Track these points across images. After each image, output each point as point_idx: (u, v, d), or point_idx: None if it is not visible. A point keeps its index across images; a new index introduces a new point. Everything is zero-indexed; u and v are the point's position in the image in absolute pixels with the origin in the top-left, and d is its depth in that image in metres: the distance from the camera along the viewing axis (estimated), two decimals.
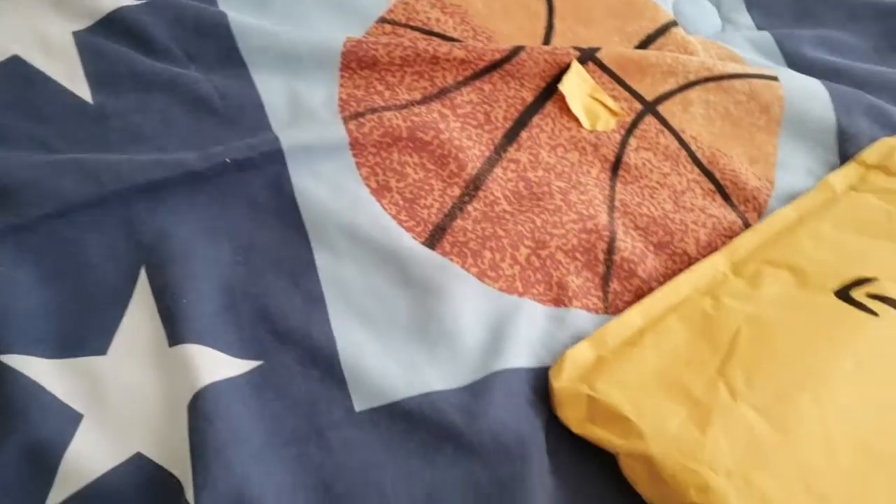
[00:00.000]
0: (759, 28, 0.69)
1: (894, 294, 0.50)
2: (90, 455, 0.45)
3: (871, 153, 0.62)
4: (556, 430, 0.49)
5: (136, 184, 0.49)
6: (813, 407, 0.46)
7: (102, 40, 0.55)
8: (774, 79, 0.62)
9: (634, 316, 0.52)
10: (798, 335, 0.49)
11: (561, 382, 0.48)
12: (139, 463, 0.45)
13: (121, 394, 0.46)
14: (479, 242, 0.52)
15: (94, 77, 0.54)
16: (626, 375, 0.48)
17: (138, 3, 0.57)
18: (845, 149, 0.62)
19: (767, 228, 0.56)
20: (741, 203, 0.58)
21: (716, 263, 0.55)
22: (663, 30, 0.64)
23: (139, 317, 0.48)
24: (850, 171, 0.61)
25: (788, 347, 0.49)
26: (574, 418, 0.48)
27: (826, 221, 0.56)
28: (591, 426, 0.47)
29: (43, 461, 0.44)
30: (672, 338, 0.50)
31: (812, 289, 0.52)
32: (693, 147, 0.59)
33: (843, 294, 0.51)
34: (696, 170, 0.59)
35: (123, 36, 0.56)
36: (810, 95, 0.62)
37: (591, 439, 0.47)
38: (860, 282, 0.51)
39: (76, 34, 0.56)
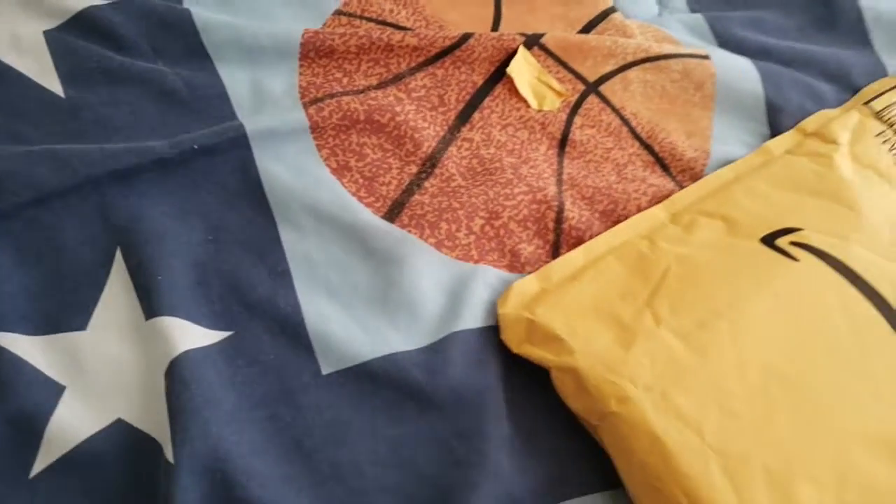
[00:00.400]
0: (693, 11, 0.73)
1: (815, 243, 0.54)
2: (73, 422, 0.48)
3: (809, 122, 0.66)
4: (512, 380, 0.53)
5: (109, 171, 0.52)
6: (729, 334, 0.50)
7: (72, 38, 0.58)
8: (706, 58, 0.66)
9: (578, 255, 0.56)
10: (722, 273, 0.54)
11: (506, 309, 0.53)
12: (120, 428, 0.48)
13: (101, 365, 0.49)
14: (436, 215, 0.56)
15: (65, 73, 0.57)
16: (564, 303, 0.53)
17: (105, 2, 0.60)
18: (775, 121, 0.66)
19: (706, 185, 0.61)
20: (679, 173, 0.62)
21: (656, 213, 0.59)
22: (603, 15, 0.68)
23: (116, 294, 0.51)
24: (788, 137, 0.65)
25: (712, 283, 0.53)
26: (514, 339, 0.52)
27: (760, 179, 0.60)
28: (529, 346, 0.52)
29: (28, 429, 0.47)
30: (609, 273, 0.55)
31: (741, 236, 0.56)
32: (633, 123, 0.64)
33: (769, 241, 0.55)
34: (637, 144, 0.63)
35: (92, 33, 0.59)
36: (740, 73, 0.66)
37: (528, 357, 0.52)
38: (785, 231, 0.55)
39: (46, 33, 0.59)
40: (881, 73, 0.72)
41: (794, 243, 0.55)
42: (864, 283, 0.53)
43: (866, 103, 0.67)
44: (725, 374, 0.49)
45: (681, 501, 0.45)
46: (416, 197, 0.56)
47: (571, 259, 0.56)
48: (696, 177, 0.61)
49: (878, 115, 0.66)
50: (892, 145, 0.63)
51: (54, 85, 0.57)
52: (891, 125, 0.65)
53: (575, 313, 0.52)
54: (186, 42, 0.58)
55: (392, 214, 0.55)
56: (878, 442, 0.47)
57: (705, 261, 0.55)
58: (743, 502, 0.45)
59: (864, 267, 0.53)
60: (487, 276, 0.55)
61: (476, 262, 0.56)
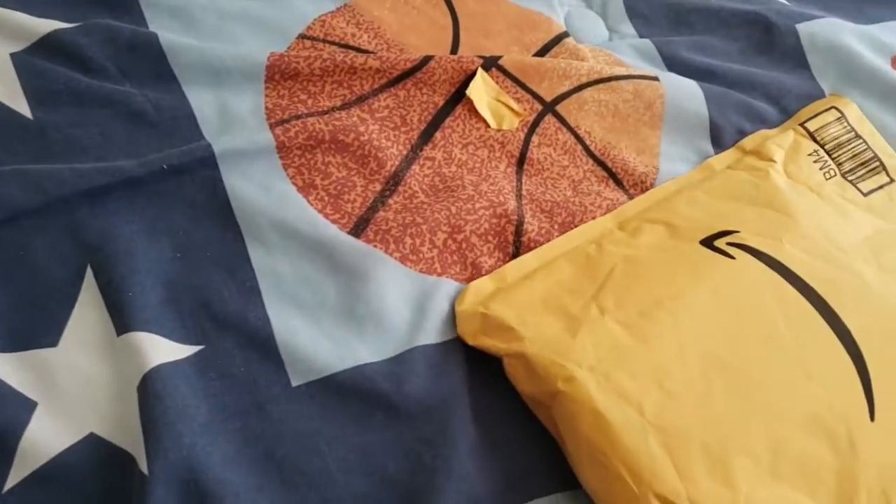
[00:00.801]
0: (641, 36, 0.77)
1: (750, 243, 0.58)
2: (45, 437, 0.48)
3: (748, 140, 0.70)
4: (476, 389, 0.55)
5: (79, 190, 0.53)
6: (670, 323, 0.54)
7: (40, 60, 0.59)
8: (655, 79, 0.70)
9: (531, 258, 0.60)
10: (663, 270, 0.57)
11: (462, 306, 0.57)
12: (93, 442, 0.49)
13: (73, 381, 0.50)
14: (401, 230, 0.58)
15: (33, 95, 0.58)
16: (516, 299, 0.56)
17: (72, 25, 0.61)
18: (717, 140, 0.70)
19: (651, 196, 0.65)
20: (631, 187, 0.65)
21: (604, 222, 0.63)
22: (557, 40, 0.72)
23: (87, 311, 0.52)
24: (729, 154, 0.69)
25: (654, 279, 0.57)
26: (470, 332, 0.55)
27: (701, 190, 0.64)
28: (483, 337, 0.55)
29: (1, 445, 0.47)
30: (559, 273, 0.58)
31: (681, 239, 0.60)
32: (587, 141, 0.66)
33: (707, 242, 0.59)
34: (591, 161, 0.66)
35: (59, 56, 0.60)
36: (686, 94, 0.70)
37: (482, 347, 0.55)
38: (723, 233, 0.59)
39: (14, 55, 0.59)
40: (818, 94, 0.76)
41: (730, 244, 0.58)
42: (796, 278, 0.56)
43: (802, 124, 0.71)
44: (666, 357, 0.52)
45: (622, 474, 0.48)
46: (381, 213, 0.58)
47: (525, 262, 0.60)
48: (646, 190, 0.65)
49: (811, 136, 0.70)
50: (824, 164, 0.68)
51: (22, 107, 0.58)
52: (823, 145, 0.70)
53: (526, 307, 0.55)
54: (154, 65, 0.60)
55: (358, 230, 0.57)
56: (810, 419, 0.51)
57: (648, 260, 0.58)
58: (681, 473, 0.48)
59: (796, 264, 0.57)
60: (450, 290, 0.57)
61: (439, 275, 0.58)
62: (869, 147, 0.70)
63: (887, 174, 0.69)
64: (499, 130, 0.65)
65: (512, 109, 0.65)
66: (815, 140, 0.70)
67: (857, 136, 0.71)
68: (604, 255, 0.59)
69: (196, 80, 0.60)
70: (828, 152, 0.69)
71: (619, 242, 0.60)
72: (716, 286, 0.56)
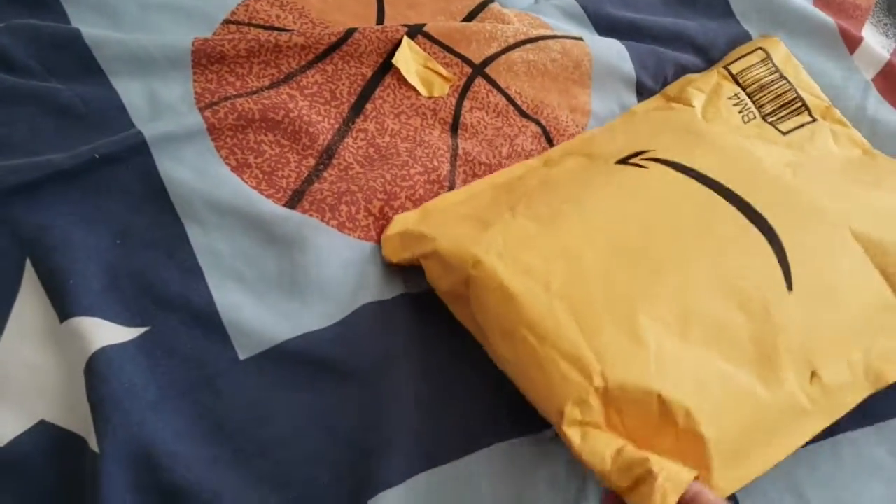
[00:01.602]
0: None
1: (663, 156, 0.59)
2: None
3: (672, 87, 0.72)
4: (424, 344, 0.56)
5: (11, 186, 0.54)
6: (578, 215, 0.55)
7: None
8: (580, 39, 0.71)
9: (456, 193, 0.62)
10: (577, 182, 0.59)
11: (387, 233, 0.59)
12: (43, 429, 0.50)
13: (20, 371, 0.51)
14: (336, 198, 0.58)
15: None
16: (436, 219, 0.58)
17: None
18: (643, 95, 0.72)
19: (576, 139, 0.68)
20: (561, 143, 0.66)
21: (531, 162, 0.66)
22: (482, 6, 0.72)
23: (29, 302, 0.52)
24: (652, 101, 0.71)
25: (567, 188, 0.58)
26: (391, 252, 0.58)
27: (621, 128, 0.66)
28: (402, 251, 0.57)
29: None
30: (480, 199, 0.60)
31: (599, 163, 0.61)
32: (519, 101, 0.68)
33: (622, 161, 0.60)
34: (524, 119, 0.67)
35: None
36: (612, 52, 0.71)
37: (402, 261, 0.57)
38: (638, 153, 0.60)
39: None
40: (745, 40, 0.78)
41: (645, 158, 0.59)
42: (707, 179, 0.57)
43: (726, 66, 0.73)
44: (574, 240, 0.53)
45: (528, 338, 0.49)
46: (316, 185, 0.59)
47: (450, 196, 0.62)
48: None
49: (734, 78, 0.72)
50: (744, 107, 0.69)
51: None
52: (745, 88, 0.71)
53: (444, 222, 0.57)
54: (79, 60, 0.60)
55: (293, 202, 0.58)
56: (721, 289, 0.50)
57: (563, 178, 0.60)
58: (584, 332, 0.48)
59: (707, 168, 0.58)
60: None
61: (377, 242, 0.59)
62: (793, 87, 0.71)
63: (809, 113, 0.70)
64: (430, 97, 0.66)
65: (441, 75, 0.66)
66: (737, 83, 0.72)
67: (782, 77, 0.72)
68: (523, 181, 0.61)
69: (123, 72, 0.60)
70: (749, 95, 0.70)
71: (540, 172, 0.62)
72: (625, 186, 0.57)
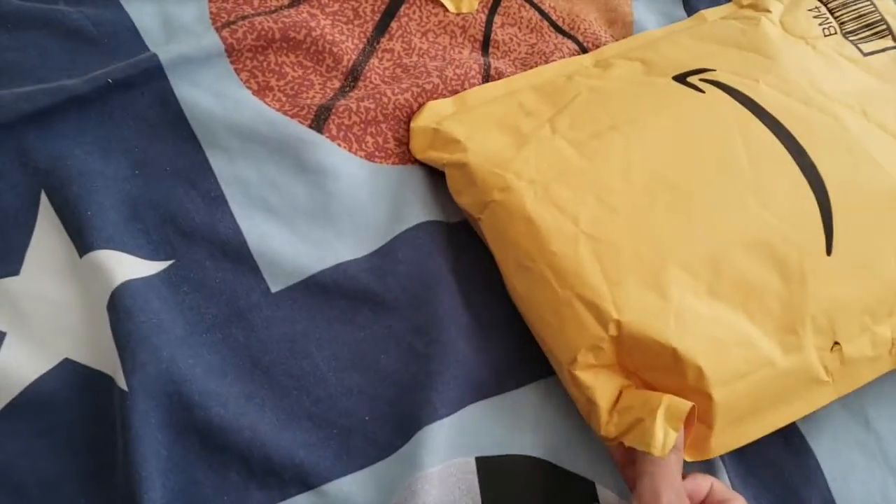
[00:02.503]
0: None
1: (724, 80, 0.55)
2: (18, 367, 0.46)
3: None
4: (465, 273, 0.53)
5: (24, 114, 0.51)
6: (621, 144, 0.51)
7: None
8: None
9: (498, 86, 0.58)
10: (627, 99, 0.55)
11: (417, 123, 0.56)
12: (68, 367, 0.47)
13: (40, 307, 0.48)
14: (362, 128, 0.55)
15: None
16: (471, 118, 0.54)
17: None
18: (691, 3, 0.67)
19: (635, 39, 0.63)
20: None
21: (582, 59, 0.61)
22: None
23: (46, 236, 0.49)
24: (725, 7, 0.66)
25: (616, 105, 0.54)
26: (419, 147, 0.54)
27: (687, 34, 0.61)
28: (431, 151, 0.54)
29: None
30: (522, 98, 0.56)
31: (655, 74, 0.57)
32: (553, 16, 0.63)
33: (680, 78, 0.56)
34: (560, 36, 0.63)
35: None
36: None
37: (427, 160, 0.54)
38: (698, 71, 0.56)
39: None
40: None
41: (704, 80, 0.55)
42: (767, 115, 0.53)
43: None
44: (610, 174, 0.50)
45: (548, 277, 0.47)
46: (342, 101, 0.55)
47: (491, 88, 0.58)
48: None
49: None
50: (824, 20, 0.64)
51: None
52: (826, 3, 0.65)
53: (478, 125, 0.54)
54: None
55: (319, 122, 0.54)
56: (760, 244, 0.48)
57: (614, 90, 0.56)
58: (608, 278, 0.46)
59: (770, 102, 0.54)
60: (423, 173, 0.55)
61: (413, 162, 0.55)
62: (877, 9, 0.65)
63: (893, 38, 0.64)
64: (458, 14, 0.62)
65: None
66: None
67: None
68: (571, 84, 0.56)
69: None
70: (830, 10, 0.65)
71: (590, 75, 0.57)
72: (678, 114, 0.54)
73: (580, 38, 0.63)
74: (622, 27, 0.65)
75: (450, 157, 0.53)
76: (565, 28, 0.63)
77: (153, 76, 0.54)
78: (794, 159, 0.51)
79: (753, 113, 0.53)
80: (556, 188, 0.49)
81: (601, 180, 0.50)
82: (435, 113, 0.56)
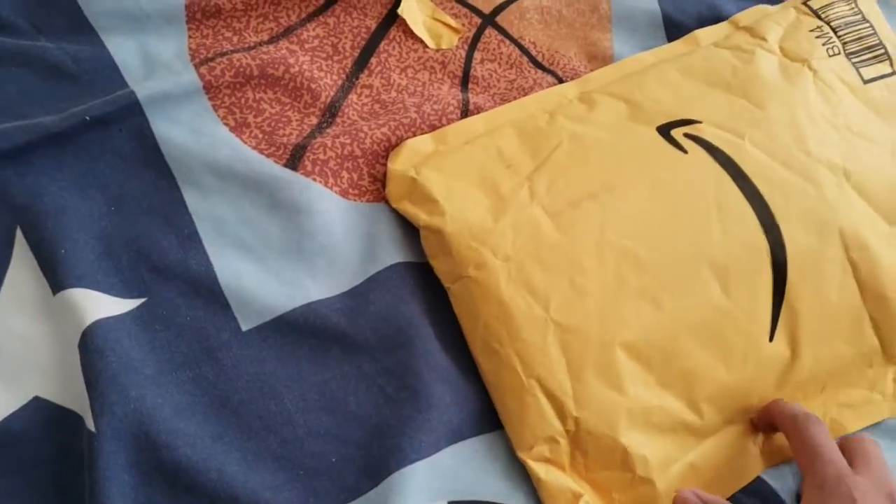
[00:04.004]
0: None
1: (708, 137, 0.55)
2: None
3: (744, 15, 0.66)
4: (443, 313, 0.53)
5: (1, 151, 0.51)
6: (598, 216, 0.52)
7: None
8: None
9: (478, 122, 0.58)
10: (609, 156, 0.55)
11: (395, 165, 0.55)
12: (38, 405, 0.47)
13: (12, 346, 0.48)
14: (338, 163, 0.55)
15: None
16: (450, 166, 0.54)
17: None
18: (673, 35, 0.67)
19: (622, 67, 0.62)
20: None
21: (566, 90, 0.61)
22: None
23: (20, 273, 0.50)
24: (719, 29, 0.65)
25: (596, 164, 0.54)
26: (395, 194, 0.54)
27: (675, 68, 0.60)
28: (407, 203, 0.54)
29: None
30: (503, 141, 0.56)
31: (639, 121, 0.57)
32: (533, 52, 0.64)
33: (664, 130, 0.56)
34: (539, 71, 0.63)
35: None
36: None
37: (403, 212, 0.54)
38: (683, 122, 0.56)
39: None
40: None
41: (687, 135, 0.55)
42: (746, 182, 0.54)
43: (805, 2, 0.67)
44: (584, 253, 0.51)
45: (514, 364, 0.48)
46: (318, 139, 0.56)
47: (471, 124, 0.58)
48: None
49: (815, 14, 0.66)
50: (828, 40, 0.63)
51: None
52: (828, 23, 0.65)
53: (458, 176, 0.54)
54: (67, 16, 0.57)
55: (294, 161, 0.55)
56: (710, 331, 0.51)
57: (597, 141, 0.56)
58: (572, 372, 0.48)
59: (751, 166, 0.55)
60: (395, 213, 0.55)
61: (385, 201, 0.56)
62: (876, 33, 0.65)
63: (891, 64, 0.64)
64: (438, 50, 0.62)
65: (449, 26, 0.62)
66: (818, 17, 0.65)
67: (865, 20, 0.66)
68: (553, 128, 0.56)
69: (115, 28, 0.57)
70: (834, 30, 0.64)
71: (573, 117, 0.57)
72: (657, 180, 0.54)
73: (560, 74, 0.63)
74: (602, 62, 0.65)
75: (427, 219, 0.53)
76: (545, 63, 0.63)
77: (131, 113, 0.54)
78: (765, 235, 0.53)
79: (733, 178, 0.54)
80: (530, 268, 0.50)
81: (575, 259, 0.51)
82: (414, 152, 0.56)
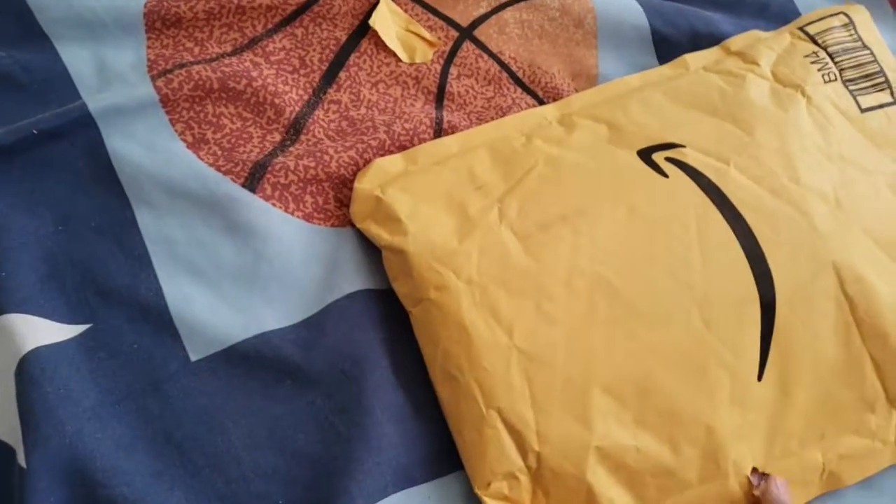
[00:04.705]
0: None
1: (690, 161, 0.52)
2: None
3: (736, 40, 0.63)
4: (399, 347, 0.51)
5: None
6: (569, 240, 0.49)
7: None
8: None
9: (452, 142, 0.55)
10: (585, 179, 0.52)
11: (361, 184, 0.52)
12: None
13: None
14: (301, 187, 0.52)
15: None
16: (418, 187, 0.51)
17: None
18: (664, 52, 0.64)
19: (606, 90, 0.59)
20: None
21: (546, 112, 0.58)
22: None
23: None
24: (710, 53, 0.62)
25: (571, 187, 0.52)
26: (359, 214, 0.52)
27: (661, 91, 0.57)
28: (370, 222, 0.51)
29: None
30: (475, 162, 0.53)
31: (619, 144, 0.54)
32: (513, 68, 0.61)
33: (645, 154, 0.53)
34: (519, 90, 0.60)
35: None
36: (619, 5, 0.63)
37: (366, 232, 0.52)
38: (666, 146, 0.53)
39: None
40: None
41: (669, 159, 0.53)
42: (731, 209, 0.51)
43: (801, 28, 0.64)
44: (553, 279, 0.48)
45: (474, 393, 0.46)
46: (280, 159, 0.53)
47: (444, 144, 0.55)
48: None
49: (812, 39, 0.62)
50: (823, 66, 0.60)
51: None
52: (825, 48, 0.62)
53: (425, 197, 0.51)
54: (20, 22, 0.54)
55: (253, 181, 0.52)
56: (690, 364, 0.47)
57: (573, 164, 0.53)
58: (535, 403, 0.45)
59: (736, 193, 0.52)
60: (361, 237, 0.53)
61: (352, 224, 0.53)
62: (876, 60, 0.62)
63: (892, 93, 0.61)
64: (412, 64, 0.59)
65: (424, 39, 0.59)
66: (815, 43, 0.62)
67: (865, 47, 0.62)
68: (529, 150, 0.54)
69: (69, 37, 0.54)
70: (831, 55, 0.61)
71: (550, 138, 0.54)
72: (633, 205, 0.51)
73: (540, 94, 0.60)
74: (586, 80, 0.62)
75: (389, 238, 0.50)
76: (525, 81, 0.60)
77: (83, 126, 0.52)
78: (751, 266, 0.50)
79: (716, 205, 0.51)
80: (494, 292, 0.48)
81: (543, 285, 0.48)
82: (382, 172, 0.53)
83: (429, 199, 0.51)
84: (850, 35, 0.62)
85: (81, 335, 0.48)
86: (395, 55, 0.59)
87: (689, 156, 0.53)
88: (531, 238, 0.49)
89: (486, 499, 0.45)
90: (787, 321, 0.49)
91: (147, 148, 0.52)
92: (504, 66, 0.61)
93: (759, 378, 0.48)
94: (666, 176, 0.52)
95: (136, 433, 0.47)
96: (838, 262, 0.51)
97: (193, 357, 0.49)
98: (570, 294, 0.48)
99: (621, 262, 0.49)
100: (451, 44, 0.60)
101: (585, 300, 0.47)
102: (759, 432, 0.47)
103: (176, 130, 0.53)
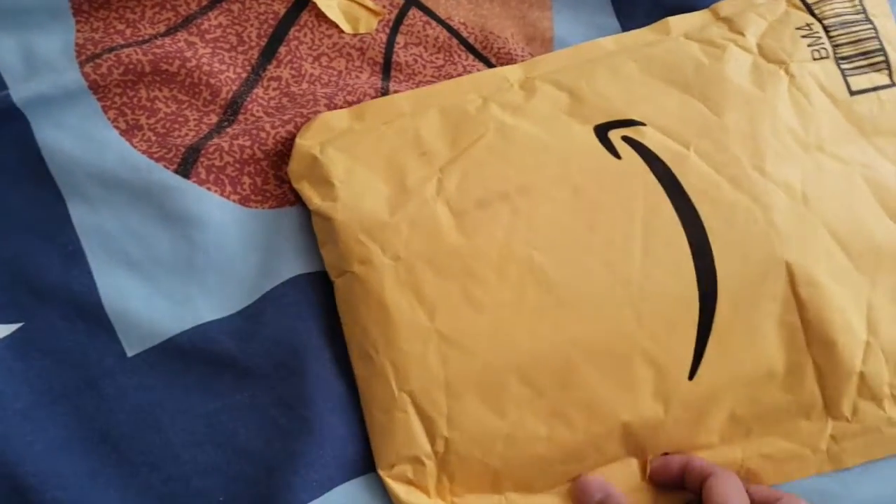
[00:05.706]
0: None
1: (648, 143, 0.49)
2: None
3: (726, 5, 0.57)
4: (341, 333, 0.49)
5: None
6: (506, 221, 0.47)
7: None
8: None
9: (404, 100, 0.52)
10: (533, 153, 0.49)
11: (303, 139, 0.50)
12: None
13: None
14: (237, 168, 0.50)
15: None
16: (359, 148, 0.49)
17: None
18: (625, 12, 0.60)
19: (578, 53, 0.55)
20: None
21: (509, 73, 0.54)
22: None
23: None
24: (696, 17, 0.57)
25: (517, 162, 0.49)
26: (295, 172, 0.50)
27: (634, 59, 0.53)
28: (304, 182, 0.49)
29: None
30: (422, 126, 0.50)
31: (577, 117, 0.51)
32: (464, 33, 0.58)
33: (601, 130, 0.50)
34: (471, 56, 0.57)
35: None
36: None
37: (300, 192, 0.49)
38: (625, 123, 0.50)
39: None
40: None
41: (625, 138, 0.49)
42: (683, 199, 0.48)
43: None
44: (483, 262, 0.46)
45: (388, 375, 0.45)
46: (215, 140, 0.51)
47: (395, 102, 0.52)
48: None
49: (808, 8, 0.56)
50: (815, 41, 0.54)
51: None
52: (821, 20, 0.56)
53: (363, 160, 0.49)
54: None
55: (186, 166, 0.50)
56: (616, 359, 0.45)
57: (524, 135, 0.50)
58: (449, 389, 0.44)
59: (692, 182, 0.48)
60: (302, 216, 0.50)
61: (292, 203, 0.51)
62: (878, 35, 0.55)
63: (889, 75, 0.54)
64: (355, 35, 0.56)
65: (368, 8, 0.57)
66: (811, 13, 0.56)
67: (868, 20, 0.55)
68: (482, 117, 0.51)
69: None
70: (826, 28, 0.55)
71: (507, 104, 0.51)
72: (580, 188, 0.48)
73: (493, 60, 0.57)
74: (541, 44, 0.59)
75: (319, 203, 0.48)
76: (477, 47, 0.57)
77: (9, 117, 0.50)
78: (695, 263, 0.47)
79: (668, 193, 0.48)
80: (421, 271, 0.46)
81: (472, 268, 0.46)
82: (326, 128, 0.51)
83: (367, 163, 0.49)
84: (854, 6, 0.56)
85: (12, 335, 0.47)
86: (337, 27, 0.56)
87: (648, 136, 0.50)
88: (467, 215, 0.47)
89: (388, 480, 0.44)
90: (727, 321, 0.46)
91: (79, 138, 0.50)
92: (454, 31, 0.58)
93: (691, 377, 0.45)
94: (619, 157, 0.49)
95: (72, 434, 0.45)
96: (792, 261, 0.47)
97: (129, 352, 0.47)
98: (500, 279, 0.46)
99: (557, 248, 0.47)
100: (396, 11, 0.57)
101: (515, 287, 0.46)
102: (680, 427, 0.46)
103: (108, 118, 0.51)
